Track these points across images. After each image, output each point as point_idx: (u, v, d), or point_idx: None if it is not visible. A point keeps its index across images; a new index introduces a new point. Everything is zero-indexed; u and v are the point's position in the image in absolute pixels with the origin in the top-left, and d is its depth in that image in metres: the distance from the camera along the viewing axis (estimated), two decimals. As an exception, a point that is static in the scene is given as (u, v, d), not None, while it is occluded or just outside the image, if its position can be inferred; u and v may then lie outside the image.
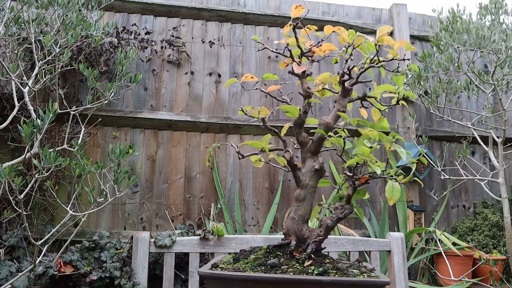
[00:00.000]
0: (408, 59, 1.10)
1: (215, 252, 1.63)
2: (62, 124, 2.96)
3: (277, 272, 0.85)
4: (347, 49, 1.03)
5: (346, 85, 1.04)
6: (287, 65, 1.13)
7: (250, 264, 0.92)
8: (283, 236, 1.03)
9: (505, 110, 3.12)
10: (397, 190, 0.91)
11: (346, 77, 1.05)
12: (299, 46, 1.09)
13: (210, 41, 3.57)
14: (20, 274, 1.73)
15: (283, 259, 0.92)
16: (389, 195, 0.92)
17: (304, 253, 0.93)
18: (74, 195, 1.79)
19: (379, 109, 1.07)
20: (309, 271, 0.84)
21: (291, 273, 0.84)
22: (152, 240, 1.62)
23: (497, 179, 3.16)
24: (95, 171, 1.76)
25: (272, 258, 0.93)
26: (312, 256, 0.92)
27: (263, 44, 1.14)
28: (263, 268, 0.88)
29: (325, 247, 1.00)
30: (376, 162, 0.96)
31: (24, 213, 1.49)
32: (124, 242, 2.33)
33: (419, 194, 3.60)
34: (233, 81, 1.18)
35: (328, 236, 1.71)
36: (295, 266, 0.88)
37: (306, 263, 0.88)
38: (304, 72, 1.10)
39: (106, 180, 1.98)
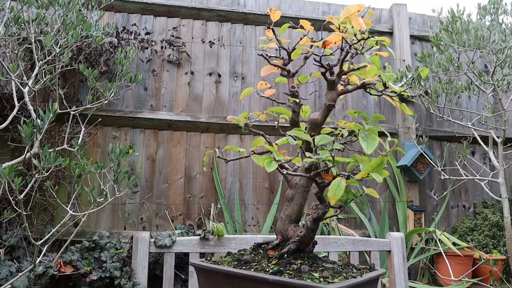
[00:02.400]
0: (370, 37, 0.99)
1: (215, 252, 1.63)
2: (62, 124, 2.96)
3: (243, 268, 0.88)
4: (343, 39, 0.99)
5: (328, 77, 1.01)
6: (276, 67, 1.13)
7: (231, 259, 0.96)
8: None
9: (505, 110, 3.12)
10: (341, 188, 0.82)
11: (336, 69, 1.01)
12: (282, 47, 1.09)
13: (210, 41, 3.57)
14: (20, 274, 1.73)
15: (259, 257, 0.94)
16: (331, 194, 0.82)
17: (277, 253, 0.94)
18: (74, 195, 1.79)
19: (390, 97, 1.01)
20: (267, 269, 0.86)
21: (252, 270, 0.86)
22: (152, 240, 1.62)
23: (497, 179, 3.16)
24: (95, 171, 1.76)
25: (253, 255, 0.96)
26: (285, 255, 0.92)
27: (265, 51, 1.13)
28: (236, 263, 0.92)
29: (311, 248, 0.97)
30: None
31: (24, 213, 1.49)
32: (124, 242, 2.33)
33: (419, 194, 3.60)
34: (250, 90, 1.16)
35: (328, 236, 1.72)
36: (263, 264, 0.90)
37: (273, 262, 0.90)
38: (289, 71, 1.10)
39: (106, 180, 1.98)
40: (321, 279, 0.81)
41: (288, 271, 0.85)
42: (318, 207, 0.92)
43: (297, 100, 1.06)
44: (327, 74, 1.02)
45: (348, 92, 1.04)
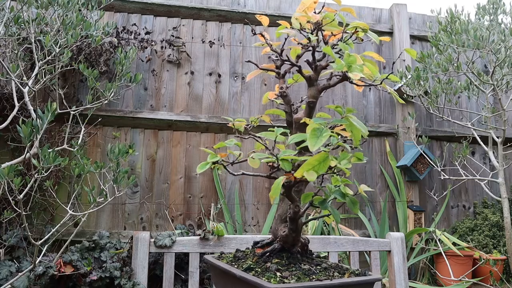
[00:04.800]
0: (321, 27, 0.94)
1: (215, 252, 1.63)
2: (62, 124, 2.96)
3: (232, 264, 0.94)
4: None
5: (305, 74, 1.00)
6: (266, 70, 1.13)
7: (231, 256, 1.02)
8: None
9: (505, 110, 3.12)
10: (279, 188, 0.84)
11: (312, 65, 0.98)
12: (273, 50, 1.09)
13: (210, 41, 3.57)
14: (20, 274, 1.73)
15: (250, 255, 0.99)
16: (272, 192, 0.83)
17: (261, 251, 0.97)
18: (74, 195, 1.79)
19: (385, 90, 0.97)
20: (241, 265, 0.92)
21: (235, 266, 0.92)
22: (152, 240, 1.62)
23: (497, 179, 3.16)
24: (94, 171, 1.76)
25: (247, 253, 1.01)
26: (267, 254, 0.95)
27: (271, 54, 1.12)
28: (231, 260, 0.98)
29: (297, 248, 0.98)
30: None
31: (24, 213, 1.49)
32: (124, 242, 2.33)
33: (419, 194, 3.60)
34: (266, 97, 1.16)
35: (328, 236, 1.72)
36: (248, 261, 0.95)
37: (254, 259, 0.94)
38: (279, 73, 1.11)
39: (106, 180, 1.98)
40: (278, 279, 0.83)
41: (257, 269, 0.88)
42: (291, 206, 0.93)
43: (279, 101, 1.06)
44: (309, 71, 1.01)
45: (330, 87, 0.99)
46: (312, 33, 0.97)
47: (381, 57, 0.97)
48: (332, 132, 0.92)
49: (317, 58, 1.01)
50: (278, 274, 0.85)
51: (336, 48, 0.99)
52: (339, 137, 1.02)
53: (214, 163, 0.92)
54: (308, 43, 0.98)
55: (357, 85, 0.93)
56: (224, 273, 0.92)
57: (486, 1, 3.09)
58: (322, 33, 0.98)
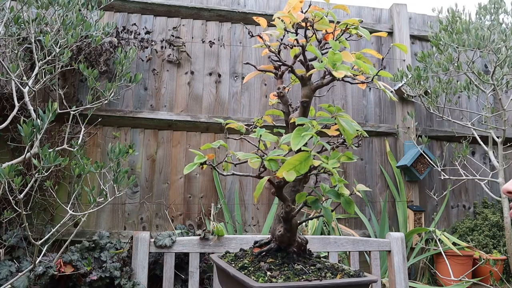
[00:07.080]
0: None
1: (215, 252, 1.62)
2: (62, 124, 2.96)
3: (231, 263, 0.97)
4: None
5: (298, 73, 0.98)
6: (264, 71, 1.13)
7: (232, 255, 1.05)
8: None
9: (505, 110, 3.12)
10: (261, 187, 0.85)
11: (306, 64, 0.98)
12: (271, 51, 1.09)
13: (210, 41, 3.57)
14: (20, 274, 1.73)
15: (249, 254, 1.00)
16: (255, 192, 0.85)
17: (258, 251, 0.99)
18: (74, 195, 1.79)
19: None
20: (238, 264, 0.94)
21: (232, 265, 0.95)
22: (152, 240, 1.62)
23: (497, 179, 3.16)
24: (94, 171, 1.76)
25: (247, 253, 1.03)
26: (263, 253, 0.96)
27: (274, 53, 1.13)
28: (231, 258, 1.01)
29: (293, 248, 0.97)
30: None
31: (24, 213, 1.49)
32: (124, 242, 2.33)
33: (419, 194, 3.60)
34: (271, 98, 1.16)
35: (328, 236, 1.72)
36: (245, 260, 0.97)
37: (250, 259, 0.96)
38: (276, 74, 1.11)
39: (106, 180, 1.98)
40: (266, 278, 0.83)
41: (250, 268, 0.90)
42: (282, 206, 0.93)
43: (275, 101, 1.07)
44: (302, 70, 1.01)
45: (323, 85, 0.98)
46: (297, 33, 0.97)
47: (380, 54, 0.97)
48: (328, 130, 0.91)
49: (312, 57, 1.00)
50: (268, 273, 0.85)
51: (327, 48, 0.99)
52: (340, 137, 1.02)
53: (202, 163, 0.93)
54: (296, 43, 0.99)
55: (351, 82, 0.92)
56: (223, 271, 0.94)
57: (487, 1, 3.08)
58: (315, 32, 0.98)
